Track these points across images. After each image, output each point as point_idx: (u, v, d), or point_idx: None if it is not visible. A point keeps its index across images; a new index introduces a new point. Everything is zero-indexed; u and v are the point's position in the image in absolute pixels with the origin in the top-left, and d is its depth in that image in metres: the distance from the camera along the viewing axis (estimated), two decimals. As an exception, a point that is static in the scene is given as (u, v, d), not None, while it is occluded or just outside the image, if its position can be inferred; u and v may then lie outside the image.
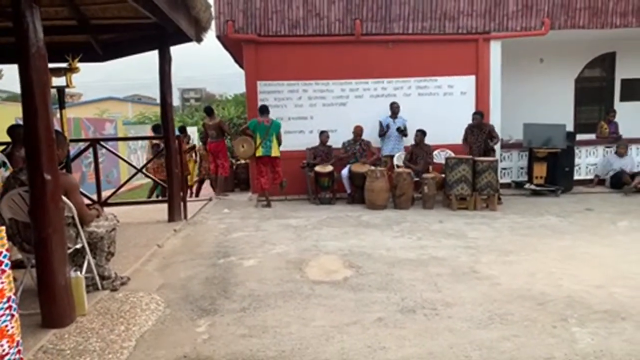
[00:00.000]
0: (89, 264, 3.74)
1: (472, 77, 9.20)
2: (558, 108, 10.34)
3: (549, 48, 10.01)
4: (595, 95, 11.03)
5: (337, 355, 2.86)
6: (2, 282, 2.36)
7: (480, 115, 8.24)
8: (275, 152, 7.99)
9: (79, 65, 5.26)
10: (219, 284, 4.14)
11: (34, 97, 3.09)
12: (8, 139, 5.55)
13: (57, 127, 3.70)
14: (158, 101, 7.62)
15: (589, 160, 9.74)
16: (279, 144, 8.08)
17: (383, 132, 8.74)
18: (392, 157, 8.78)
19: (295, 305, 3.65)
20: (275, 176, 8.20)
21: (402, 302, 3.68)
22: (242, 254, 5.13)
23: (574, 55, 10.52)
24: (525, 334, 3.11)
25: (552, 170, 8.90)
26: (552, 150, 8.81)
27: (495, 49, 9.12)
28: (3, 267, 2.37)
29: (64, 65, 5.15)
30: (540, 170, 8.94)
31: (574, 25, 9.03)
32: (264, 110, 8.14)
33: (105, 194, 7.31)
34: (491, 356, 2.82)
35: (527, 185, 9.07)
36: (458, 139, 8.37)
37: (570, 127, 9.94)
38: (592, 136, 10.14)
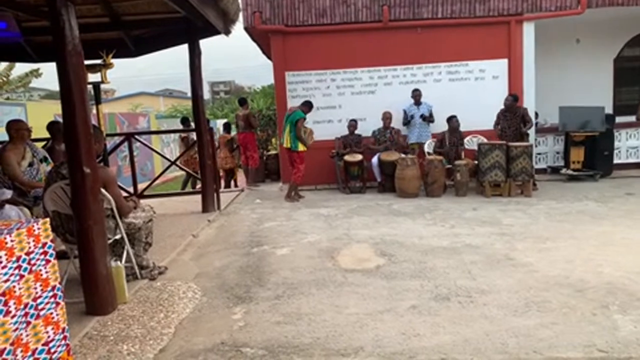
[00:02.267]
0: (128, 254, 3.86)
1: (505, 61, 8.95)
2: (596, 90, 9.96)
3: (586, 27, 9.63)
4: (635, 75, 10.55)
5: (372, 342, 2.87)
6: (47, 272, 2.46)
7: (513, 97, 8.02)
8: (287, 144, 7.74)
9: (113, 61, 5.39)
10: (253, 273, 4.21)
11: (72, 93, 3.18)
12: (48, 135, 5.76)
13: (94, 122, 3.81)
14: (189, 94, 7.73)
15: (630, 143, 9.37)
16: (298, 138, 7.62)
17: (407, 120, 8.64)
18: (418, 144, 8.68)
19: (328, 293, 3.68)
20: (293, 170, 7.85)
21: (436, 289, 3.65)
22: (275, 243, 5.19)
23: (613, 34, 10.08)
24: (564, 321, 3.04)
25: (590, 154, 8.61)
26: (590, 134, 8.51)
27: (528, 30, 8.83)
28: (48, 257, 2.47)
29: (98, 61, 5.29)
30: (578, 154, 8.66)
31: (613, 2, 8.64)
32: (303, 103, 7.89)
33: (140, 186, 7.52)
34: (529, 344, 2.77)
35: (563, 171, 8.81)
36: (491, 125, 8.19)
37: (609, 109, 9.56)
38: (633, 118, 9.73)
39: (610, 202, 6.66)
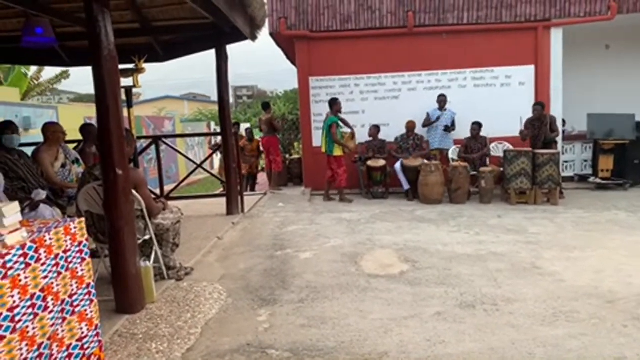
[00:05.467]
0: (156, 254, 3.94)
1: (531, 67, 8.83)
2: (626, 97, 9.71)
3: (616, 33, 9.44)
4: (668, 82, 10.28)
5: (396, 348, 2.87)
6: (83, 270, 2.54)
7: (541, 106, 7.89)
8: (323, 148, 8.05)
9: (144, 65, 5.52)
10: (277, 275, 4.25)
11: (107, 96, 3.28)
12: (78, 137, 5.92)
13: (126, 125, 3.91)
14: (212, 98, 7.87)
15: (662, 152, 9.11)
16: (333, 142, 7.84)
17: (427, 123, 8.58)
18: (439, 150, 8.62)
19: (352, 297, 3.69)
20: (332, 174, 8.06)
21: (461, 297, 3.63)
22: (298, 246, 5.22)
23: (644, 40, 9.86)
24: (593, 332, 2.99)
25: (619, 162, 8.43)
26: (620, 142, 8.33)
27: (556, 36, 8.71)
28: (83, 255, 2.55)
29: (130, 66, 5.42)
30: (607, 162, 8.48)
31: (644, 8, 8.47)
32: (329, 104, 8.11)
33: (166, 188, 7.65)
34: (557, 354, 2.74)
35: (591, 179, 8.64)
36: (517, 131, 8.08)
37: (640, 117, 9.35)
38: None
39: (641, 212, 6.51)
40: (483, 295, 3.65)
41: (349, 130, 8.07)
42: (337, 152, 7.91)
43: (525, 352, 2.78)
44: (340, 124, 8.00)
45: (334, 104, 7.97)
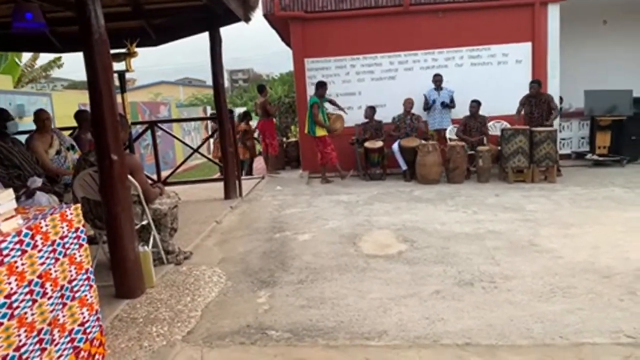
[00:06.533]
0: (154, 239, 3.94)
1: (528, 44, 8.76)
2: (624, 73, 9.67)
3: (613, 8, 9.35)
4: (666, 57, 10.21)
5: (395, 326, 2.89)
6: (81, 256, 2.53)
7: (537, 83, 7.85)
8: (306, 129, 8.14)
9: (136, 49, 5.45)
10: (276, 258, 4.26)
11: (99, 81, 3.24)
12: (73, 124, 5.88)
13: (119, 110, 3.87)
14: (208, 83, 7.80)
15: (659, 127, 9.10)
16: (314, 123, 7.92)
17: (427, 106, 8.56)
18: (437, 131, 8.60)
19: (351, 278, 3.71)
20: (321, 156, 8.17)
21: (459, 275, 3.65)
22: (297, 229, 5.23)
23: (641, 15, 9.76)
24: (590, 307, 3.02)
25: (616, 139, 8.43)
26: (617, 118, 8.32)
27: (553, 12, 8.62)
28: (81, 241, 2.54)
29: (122, 50, 5.35)
30: (604, 139, 8.49)
31: (642, -19, 8.37)
32: (315, 86, 8.17)
33: (163, 174, 7.63)
34: (554, 329, 2.76)
35: (589, 156, 8.65)
36: (514, 110, 8.05)
37: (638, 93, 9.27)
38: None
39: (638, 187, 6.52)
40: (481, 273, 3.67)
41: (334, 112, 8.06)
42: (320, 132, 7.95)
43: (523, 327, 2.80)
44: (327, 105, 8.06)
45: (319, 87, 8.01)
